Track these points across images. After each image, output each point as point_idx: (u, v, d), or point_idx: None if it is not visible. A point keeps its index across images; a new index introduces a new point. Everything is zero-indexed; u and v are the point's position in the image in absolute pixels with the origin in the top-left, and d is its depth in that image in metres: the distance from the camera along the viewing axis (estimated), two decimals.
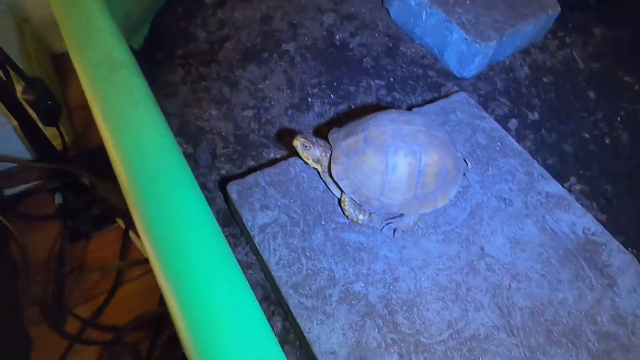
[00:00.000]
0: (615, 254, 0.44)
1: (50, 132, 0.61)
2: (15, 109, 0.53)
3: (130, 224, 0.69)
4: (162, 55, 0.70)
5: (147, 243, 0.27)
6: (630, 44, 0.72)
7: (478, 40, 0.58)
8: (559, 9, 0.64)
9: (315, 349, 0.36)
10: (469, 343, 0.38)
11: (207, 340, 0.26)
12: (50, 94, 0.55)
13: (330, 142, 0.44)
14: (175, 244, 0.27)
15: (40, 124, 0.58)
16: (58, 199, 0.67)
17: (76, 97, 0.79)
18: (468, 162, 0.49)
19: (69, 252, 0.66)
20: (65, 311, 0.62)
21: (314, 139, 0.44)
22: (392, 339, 0.37)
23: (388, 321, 0.38)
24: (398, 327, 0.38)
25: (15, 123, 0.57)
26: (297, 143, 0.43)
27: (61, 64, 0.86)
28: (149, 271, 0.69)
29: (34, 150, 0.64)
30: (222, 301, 0.27)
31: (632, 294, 0.42)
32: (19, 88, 0.60)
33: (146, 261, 0.72)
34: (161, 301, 0.65)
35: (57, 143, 0.63)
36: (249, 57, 0.65)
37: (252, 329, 0.27)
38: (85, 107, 0.67)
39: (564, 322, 0.39)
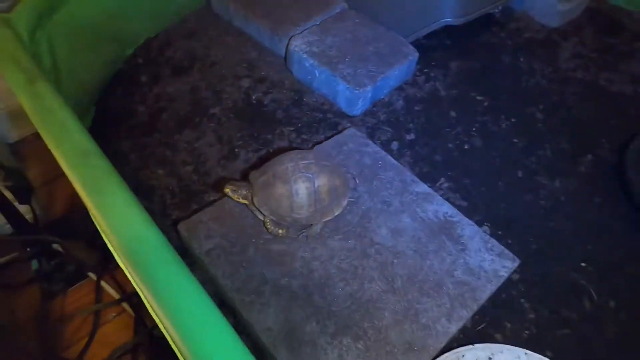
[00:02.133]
0: (466, 227, 0.62)
1: (22, 208, 0.73)
2: None
3: (100, 275, 0.79)
4: (109, 131, 0.84)
5: (135, 274, 0.38)
6: (479, 71, 0.94)
7: (357, 88, 0.77)
8: (416, 54, 0.84)
9: (257, 328, 0.51)
10: (365, 305, 0.53)
11: (191, 334, 0.36)
12: (25, 179, 0.67)
13: (251, 181, 0.60)
14: (157, 272, 0.39)
15: (15, 203, 0.69)
16: (35, 265, 0.78)
17: (36, 177, 0.90)
18: (357, 179, 0.66)
19: (49, 308, 0.75)
20: (54, 357, 0.71)
21: (238, 183, 0.59)
22: (311, 312, 0.52)
23: (307, 301, 0.53)
24: (314, 304, 0.53)
25: None
26: (227, 190, 0.58)
27: (17, 151, 0.97)
28: (123, 311, 0.80)
29: (10, 225, 0.75)
30: (196, 305, 0.39)
31: (478, 253, 0.59)
32: None
33: (118, 302, 0.83)
34: (135, 332, 0.76)
35: (28, 217, 0.74)
36: (183, 123, 0.80)
37: (217, 323, 0.39)
38: (45, 185, 0.79)
39: (431, 279, 0.56)
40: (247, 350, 0.34)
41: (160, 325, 0.48)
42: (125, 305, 0.79)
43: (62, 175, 0.83)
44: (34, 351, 0.68)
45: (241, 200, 0.60)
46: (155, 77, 0.91)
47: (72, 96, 0.75)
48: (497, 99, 0.89)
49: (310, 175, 0.56)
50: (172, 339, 0.35)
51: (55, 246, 0.75)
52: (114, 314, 0.80)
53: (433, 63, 0.93)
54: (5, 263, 0.78)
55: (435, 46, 0.96)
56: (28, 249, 0.76)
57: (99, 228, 0.41)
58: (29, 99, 0.50)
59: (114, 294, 0.81)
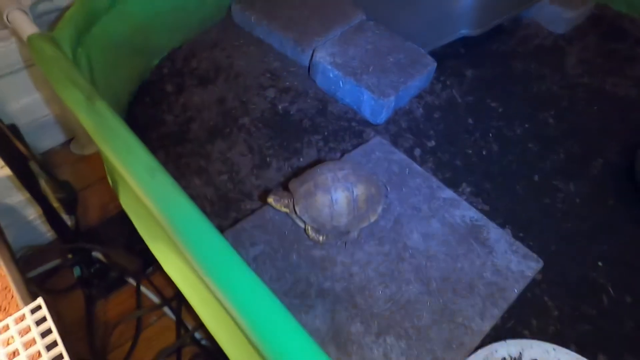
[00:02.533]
0: (492, 230, 0.66)
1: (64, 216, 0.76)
2: (43, 204, 0.67)
3: (140, 280, 0.83)
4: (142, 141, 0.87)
5: (213, 282, 0.42)
6: (492, 78, 0.98)
7: (381, 97, 0.81)
8: (435, 64, 0.88)
9: (306, 330, 0.54)
10: (405, 306, 0.57)
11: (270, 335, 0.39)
12: (73, 191, 0.70)
13: (291, 190, 0.63)
14: (234, 280, 0.42)
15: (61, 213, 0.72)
16: (77, 271, 0.81)
17: None
18: (388, 186, 0.70)
19: (94, 313, 0.79)
20: None
21: (280, 193, 0.63)
22: (355, 313, 0.56)
23: (350, 303, 0.57)
24: (357, 306, 0.57)
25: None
26: (270, 200, 0.62)
27: (45, 163, 1.00)
28: (162, 315, 0.83)
29: (55, 233, 0.78)
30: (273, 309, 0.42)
31: (505, 255, 0.63)
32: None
33: (159, 307, 0.86)
34: (178, 335, 0.79)
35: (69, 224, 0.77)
36: (214, 133, 0.84)
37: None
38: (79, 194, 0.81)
39: (463, 281, 0.60)
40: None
41: (211, 329, 0.52)
42: (165, 309, 0.82)
43: (93, 184, 0.86)
44: (83, 354, 0.71)
45: (283, 209, 0.63)
46: (181, 87, 0.94)
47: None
48: (511, 105, 0.93)
49: (349, 185, 0.60)
50: (250, 338, 0.38)
51: (95, 253, 0.78)
52: (154, 318, 0.83)
53: (449, 71, 0.97)
54: (50, 270, 0.81)
55: (450, 55, 1.00)
56: (69, 256, 0.79)
57: (171, 238, 0.45)
58: (89, 118, 0.53)
59: (153, 298, 0.84)
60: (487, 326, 0.56)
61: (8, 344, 0.49)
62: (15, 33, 0.66)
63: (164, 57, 1.00)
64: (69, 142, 1.02)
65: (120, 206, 0.74)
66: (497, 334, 0.58)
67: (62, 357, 0.48)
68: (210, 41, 1.02)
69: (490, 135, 0.87)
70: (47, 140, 0.98)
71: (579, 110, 0.94)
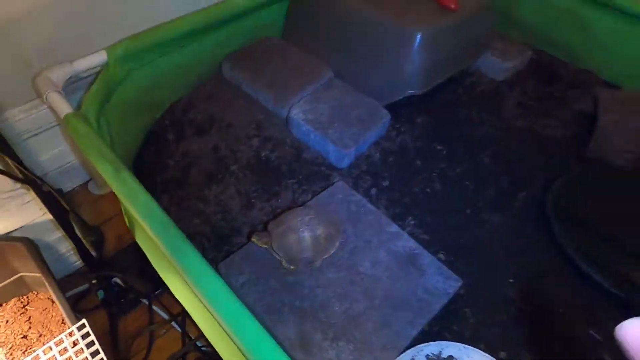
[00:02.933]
0: (426, 257, 0.86)
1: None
2: (75, 242, 0.86)
3: (151, 300, 1.02)
4: (147, 185, 1.06)
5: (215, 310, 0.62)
6: (439, 124, 1.18)
7: (343, 149, 1.00)
8: (389, 116, 1.08)
9: (280, 339, 0.73)
10: (355, 318, 0.77)
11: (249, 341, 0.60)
12: (101, 234, 0.89)
13: (270, 231, 0.83)
14: (232, 312, 0.62)
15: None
16: (101, 294, 0.99)
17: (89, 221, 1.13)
18: (346, 224, 0.90)
19: (116, 328, 0.97)
20: None
21: (260, 234, 0.82)
22: (317, 324, 0.75)
23: (314, 317, 0.76)
24: (319, 319, 0.76)
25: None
26: (254, 239, 0.81)
27: (69, 200, 1.18)
28: (170, 328, 1.02)
29: (83, 263, 0.97)
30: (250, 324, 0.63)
31: (433, 276, 0.83)
32: None
33: (168, 321, 1.05)
34: (183, 343, 0.98)
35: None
36: (210, 178, 1.03)
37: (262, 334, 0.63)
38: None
39: (401, 297, 0.79)
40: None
41: (210, 336, 0.71)
42: (173, 323, 1.01)
43: (109, 219, 1.07)
44: None
45: (263, 246, 0.82)
46: (181, 136, 1.13)
47: (122, 160, 0.97)
48: (454, 147, 1.13)
49: (312, 227, 0.80)
50: (235, 341, 0.58)
51: (115, 279, 0.97)
52: (164, 330, 1.02)
53: (403, 119, 1.17)
54: (78, 293, 1.00)
55: (404, 104, 1.20)
56: (94, 282, 0.97)
57: (177, 271, 0.64)
58: (118, 185, 0.72)
59: (163, 314, 1.03)
60: (415, 332, 0.76)
61: (62, 355, 0.68)
62: (53, 110, 0.85)
63: (165, 110, 1.19)
64: (87, 182, 1.21)
65: (132, 238, 0.93)
66: (423, 338, 0.78)
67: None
68: (205, 94, 1.21)
69: (434, 174, 1.06)
70: (70, 182, 1.17)
71: (512, 150, 1.14)
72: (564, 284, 0.89)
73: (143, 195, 0.71)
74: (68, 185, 1.17)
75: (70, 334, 0.69)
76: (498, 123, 1.21)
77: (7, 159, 0.80)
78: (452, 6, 1.07)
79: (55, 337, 0.71)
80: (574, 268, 0.89)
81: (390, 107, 1.11)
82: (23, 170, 0.80)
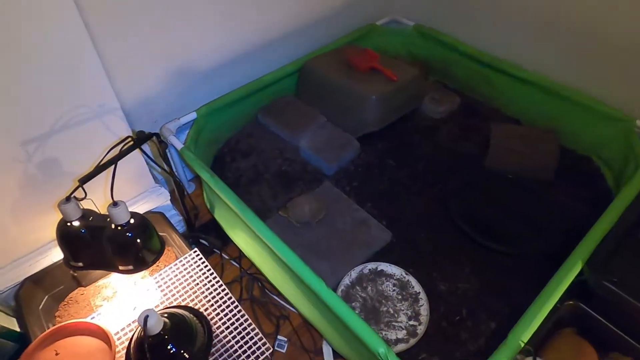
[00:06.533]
0: (373, 221, 1.56)
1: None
2: (185, 215, 1.61)
3: (222, 251, 1.74)
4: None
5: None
6: (393, 148, 1.88)
7: (330, 165, 1.72)
8: (358, 144, 1.80)
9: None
10: (333, 249, 1.48)
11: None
12: (198, 212, 1.62)
13: (288, 207, 1.55)
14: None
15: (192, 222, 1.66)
16: (193, 247, 1.72)
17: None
18: (330, 205, 1.61)
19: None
20: None
21: (283, 209, 1.55)
22: (314, 252, 1.47)
23: (311, 250, 1.48)
24: (312, 250, 1.47)
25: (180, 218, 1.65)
26: (280, 212, 1.54)
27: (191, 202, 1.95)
28: (232, 265, 1.75)
29: (187, 228, 1.71)
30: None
31: (376, 231, 1.53)
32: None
33: (232, 259, 1.78)
34: (240, 271, 1.71)
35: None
36: (252, 182, 1.76)
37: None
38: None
39: (357, 240, 1.49)
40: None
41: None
42: (232, 261, 1.74)
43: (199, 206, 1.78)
44: None
45: (284, 215, 1.54)
46: (234, 159, 1.87)
47: None
48: (402, 162, 1.83)
49: (310, 205, 1.52)
50: (277, 262, 1.30)
51: (203, 240, 1.70)
52: (229, 266, 1.75)
53: (368, 146, 1.88)
54: None
55: (369, 136, 1.91)
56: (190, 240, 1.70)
57: (245, 231, 1.37)
58: (212, 183, 1.46)
59: (227, 258, 1.77)
60: (363, 258, 1.46)
61: (185, 269, 1.40)
62: (172, 145, 1.61)
63: (224, 144, 1.94)
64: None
65: (210, 215, 1.66)
66: (368, 261, 1.47)
67: (213, 274, 1.38)
68: (247, 133, 1.96)
69: (386, 178, 1.77)
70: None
71: (438, 162, 1.83)
72: (450, 235, 1.57)
73: (225, 188, 1.45)
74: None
75: (189, 256, 1.41)
76: (431, 145, 1.91)
77: (165, 166, 1.52)
78: (394, 78, 1.79)
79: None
80: (458, 229, 1.58)
81: (360, 139, 1.83)
82: (176, 177, 1.54)
